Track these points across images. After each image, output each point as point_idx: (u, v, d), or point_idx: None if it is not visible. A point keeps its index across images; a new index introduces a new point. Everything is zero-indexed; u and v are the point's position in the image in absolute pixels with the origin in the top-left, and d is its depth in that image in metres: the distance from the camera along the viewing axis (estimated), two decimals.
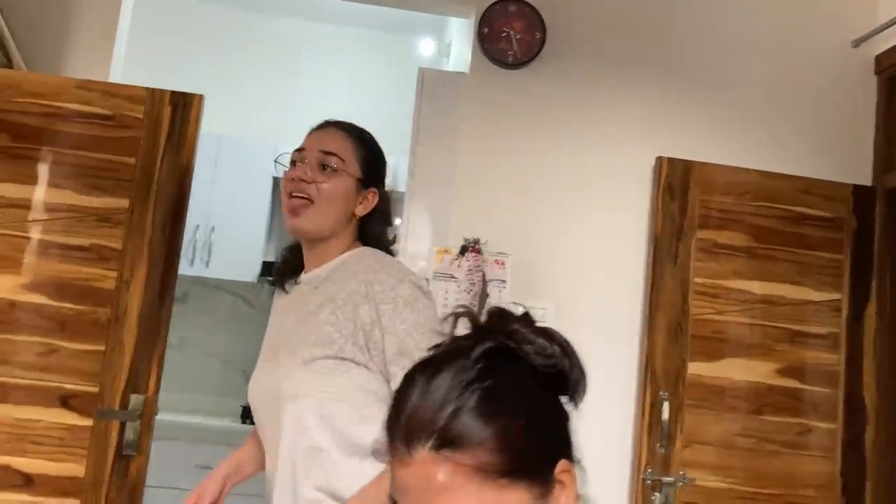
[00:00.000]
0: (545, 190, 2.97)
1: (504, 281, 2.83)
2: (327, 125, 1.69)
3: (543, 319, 2.86)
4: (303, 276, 1.66)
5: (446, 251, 2.86)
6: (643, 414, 2.79)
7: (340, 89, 4.73)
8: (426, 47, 4.54)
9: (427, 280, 2.80)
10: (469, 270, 2.79)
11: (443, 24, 4.33)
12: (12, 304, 2.47)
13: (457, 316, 0.92)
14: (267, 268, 4.41)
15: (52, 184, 2.55)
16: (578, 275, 2.93)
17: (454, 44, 4.01)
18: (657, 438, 2.76)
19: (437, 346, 0.91)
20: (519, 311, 0.90)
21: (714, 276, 2.90)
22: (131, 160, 2.55)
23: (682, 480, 2.73)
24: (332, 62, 4.74)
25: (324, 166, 1.60)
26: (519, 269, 2.85)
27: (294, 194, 1.59)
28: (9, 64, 2.52)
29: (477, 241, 2.81)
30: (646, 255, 2.94)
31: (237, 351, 4.44)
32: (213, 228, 4.19)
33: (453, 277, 2.83)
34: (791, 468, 2.82)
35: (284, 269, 1.73)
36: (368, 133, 1.71)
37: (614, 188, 3.00)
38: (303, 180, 1.58)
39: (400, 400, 0.86)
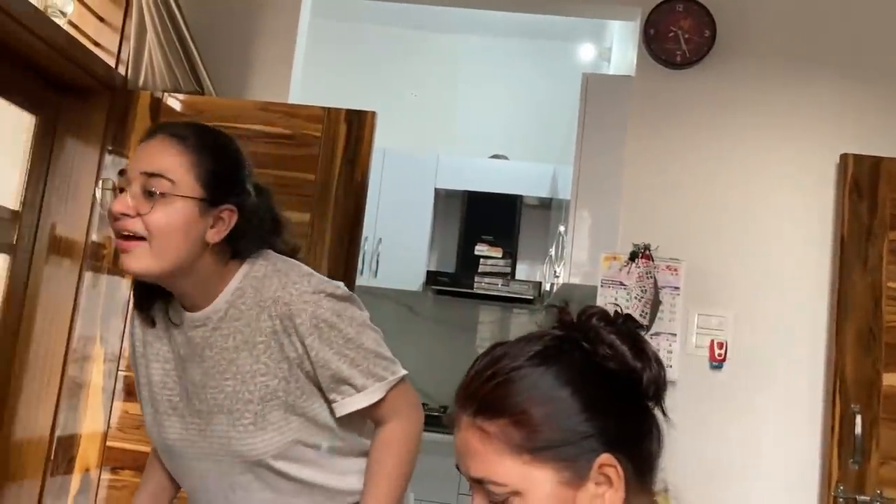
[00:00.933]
0: (719, 192, 2.85)
1: (677, 287, 2.75)
2: (155, 133, 1.32)
3: (721, 328, 2.74)
4: (185, 316, 1.38)
5: (614, 258, 2.81)
6: (832, 428, 2.61)
7: (500, 99, 4.77)
8: (586, 52, 4.51)
9: (598, 286, 2.77)
10: (639, 277, 2.73)
11: (602, 29, 4.28)
12: None
13: (556, 310, 0.95)
14: (430, 277, 4.52)
15: None
16: (758, 280, 2.80)
17: (616, 47, 3.96)
18: (849, 454, 2.58)
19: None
20: (611, 310, 0.93)
21: None
22: (311, 177, 2.67)
23: (880, 500, 2.54)
24: (490, 72, 4.80)
25: (150, 193, 1.25)
26: (693, 275, 2.76)
27: (121, 233, 1.26)
28: (201, 91, 2.71)
29: (647, 247, 2.74)
30: (831, 259, 2.76)
31: (405, 358, 4.55)
32: (380, 240, 4.32)
33: (622, 285, 2.77)
34: None
35: (145, 291, 1.42)
36: (212, 133, 1.36)
37: (795, 188, 2.84)
38: (125, 214, 1.24)
39: (466, 372, 0.93)
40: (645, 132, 2.90)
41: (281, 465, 1.37)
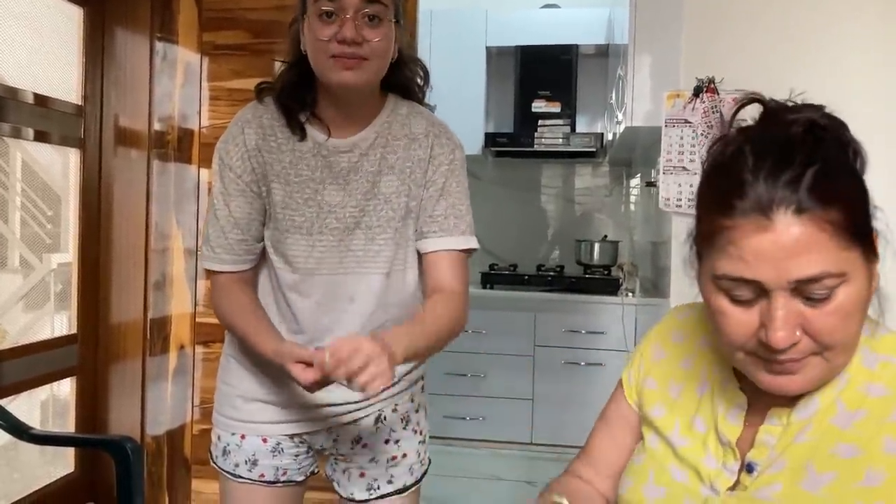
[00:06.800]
0: (790, 14, 2.70)
1: (745, 121, 2.66)
2: None
3: None
4: (329, 142, 1.48)
5: (678, 95, 2.72)
6: None
7: None
8: None
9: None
10: (705, 112, 2.65)
11: None
12: None
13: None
14: (489, 139, 4.47)
15: None
16: (836, 108, 2.66)
17: None
18: None
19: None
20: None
21: None
22: None
23: None
24: None
25: (370, 17, 1.38)
26: None
27: (342, 55, 1.37)
28: None
29: (712, 80, 2.64)
30: None
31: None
32: (435, 106, 4.27)
33: (687, 122, 2.70)
34: None
35: (295, 96, 1.48)
36: None
37: (878, 8, 2.65)
38: (354, 41, 1.36)
39: (740, 174, 0.87)
40: None
41: (400, 277, 1.53)
